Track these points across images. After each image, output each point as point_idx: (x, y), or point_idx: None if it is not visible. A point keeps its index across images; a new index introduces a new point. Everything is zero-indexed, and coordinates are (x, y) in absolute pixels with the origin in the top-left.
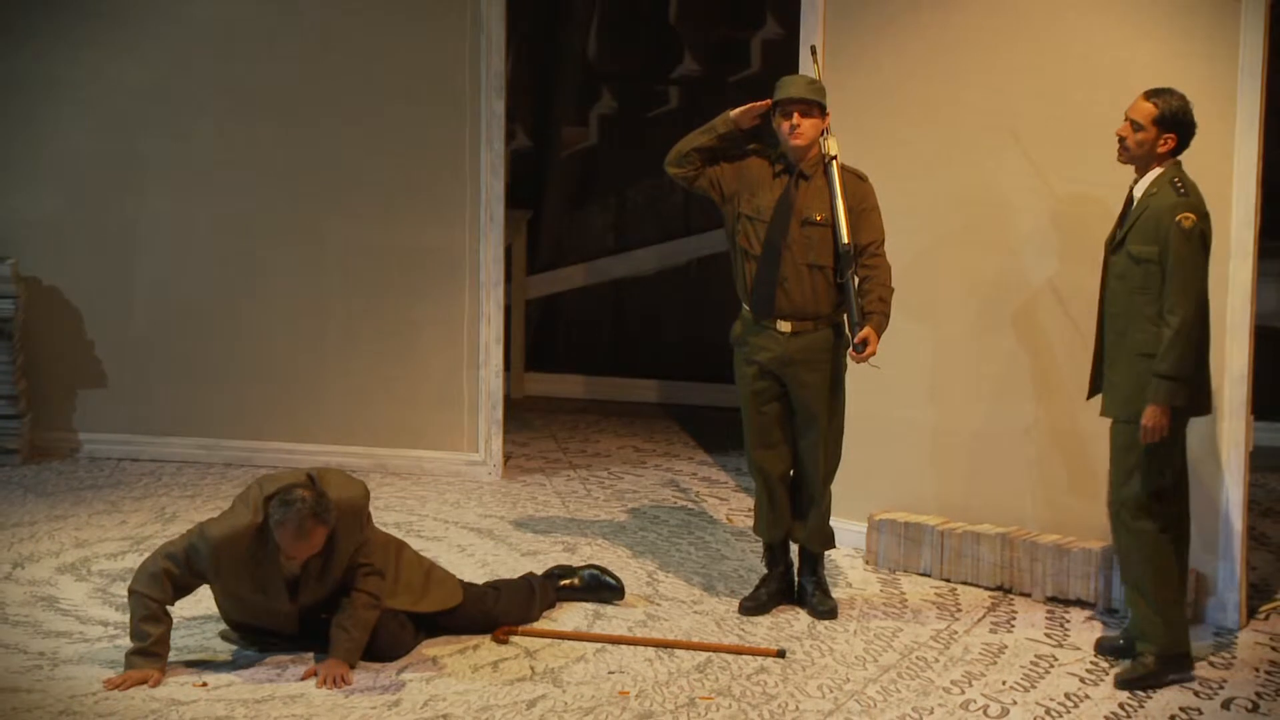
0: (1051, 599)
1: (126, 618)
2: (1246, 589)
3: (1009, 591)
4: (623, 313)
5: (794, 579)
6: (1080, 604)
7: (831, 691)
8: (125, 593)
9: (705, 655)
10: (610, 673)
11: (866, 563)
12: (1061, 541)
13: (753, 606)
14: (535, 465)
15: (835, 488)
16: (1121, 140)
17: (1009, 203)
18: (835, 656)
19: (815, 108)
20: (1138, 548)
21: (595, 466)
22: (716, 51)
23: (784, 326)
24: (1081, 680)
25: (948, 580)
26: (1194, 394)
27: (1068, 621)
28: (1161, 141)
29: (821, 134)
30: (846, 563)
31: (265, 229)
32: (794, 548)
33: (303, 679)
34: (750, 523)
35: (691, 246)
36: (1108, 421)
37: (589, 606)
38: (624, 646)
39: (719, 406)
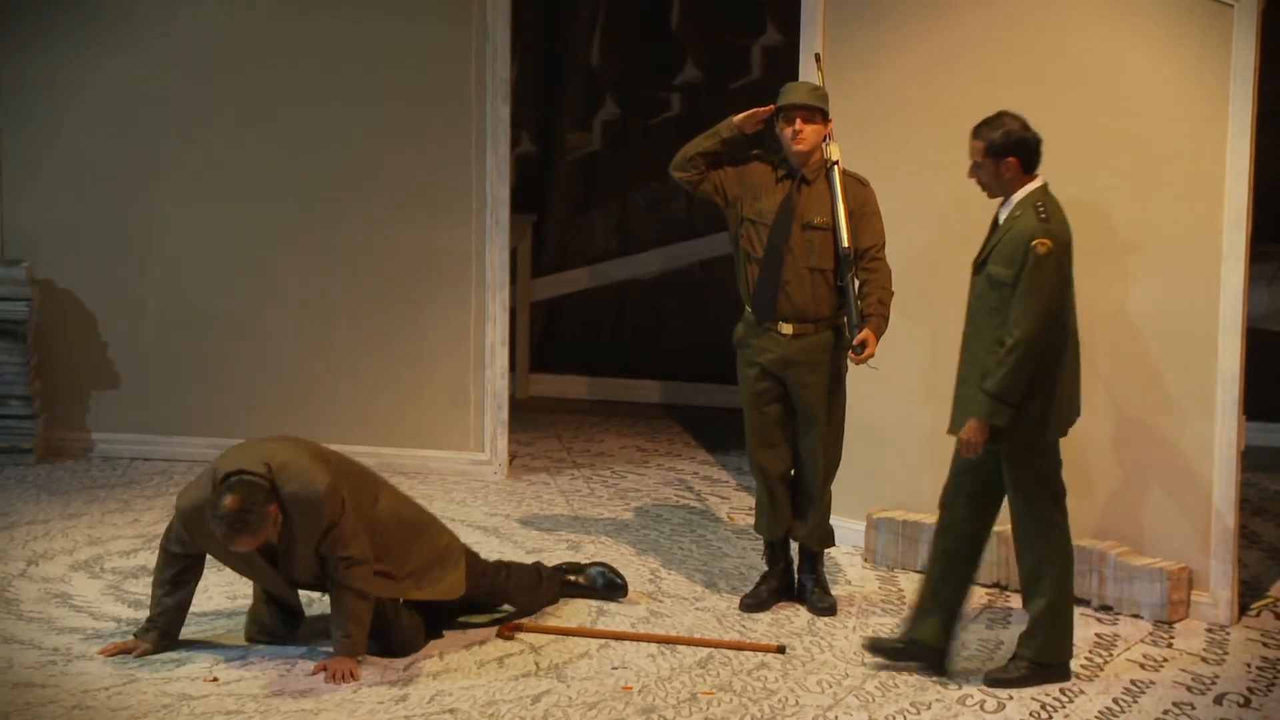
0: None
1: (138, 614)
2: (1238, 586)
3: (1004, 589)
4: (626, 315)
5: (794, 576)
6: (1075, 601)
7: (831, 687)
8: (137, 590)
9: (707, 651)
10: (614, 668)
11: (865, 560)
12: None
13: (753, 603)
14: (540, 464)
15: (834, 486)
16: (976, 179)
17: None
18: (835, 652)
19: (817, 113)
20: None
21: (599, 466)
22: (718, 58)
23: (785, 329)
24: (1076, 676)
25: None
26: (1023, 419)
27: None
28: (1003, 168)
29: (824, 139)
30: (845, 560)
31: (275, 233)
32: (794, 546)
33: (312, 674)
34: (751, 521)
35: (693, 250)
36: (1103, 422)
37: (593, 603)
38: (627, 642)
39: (720, 407)
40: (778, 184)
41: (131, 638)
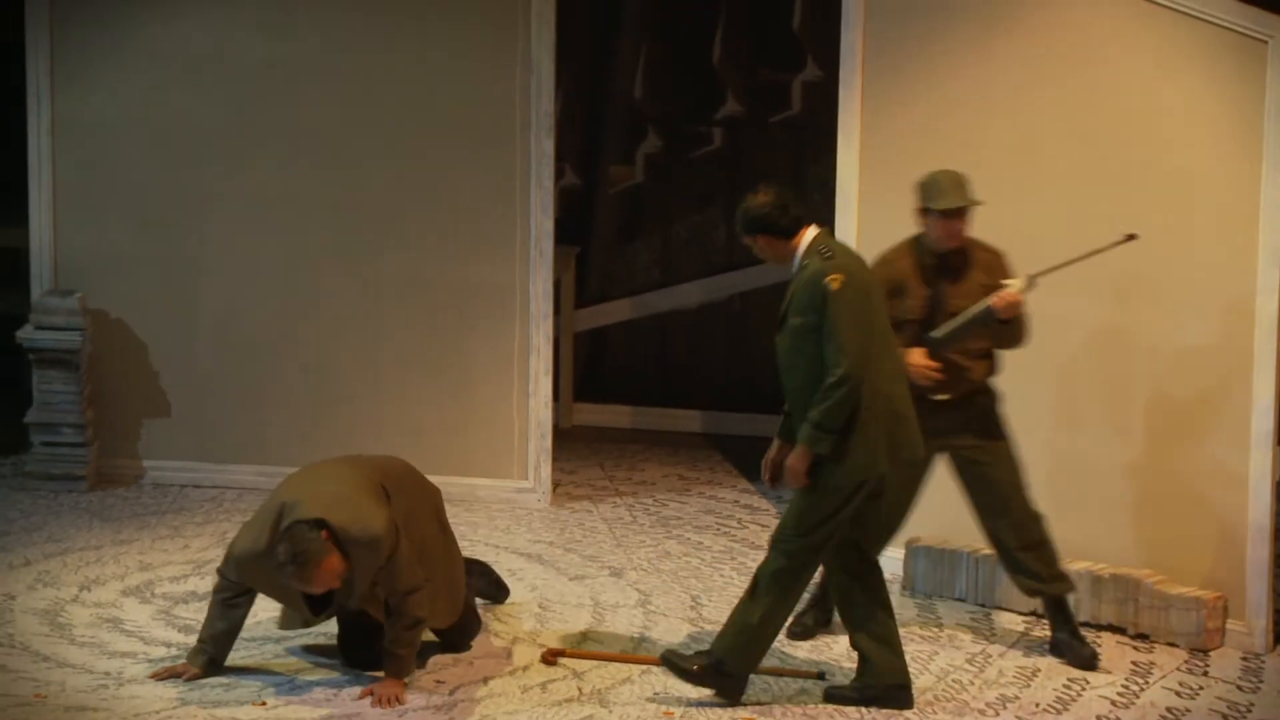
0: (1083, 624)
1: (188, 639)
2: (1272, 615)
3: (1041, 617)
4: (667, 345)
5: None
6: (1111, 629)
7: (870, 713)
8: (187, 615)
9: (749, 676)
10: (654, 694)
11: (903, 588)
12: (1093, 568)
13: (799, 631)
14: (583, 492)
15: None
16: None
17: (1040, 238)
18: None
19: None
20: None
21: (641, 494)
22: (758, 93)
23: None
24: (1113, 703)
25: (982, 605)
26: (846, 447)
27: (1099, 646)
28: (763, 243)
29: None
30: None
31: (323, 263)
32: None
33: (359, 699)
34: None
35: (733, 281)
36: (1139, 452)
37: (634, 629)
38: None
39: (761, 436)
40: (922, 277)
41: (183, 661)
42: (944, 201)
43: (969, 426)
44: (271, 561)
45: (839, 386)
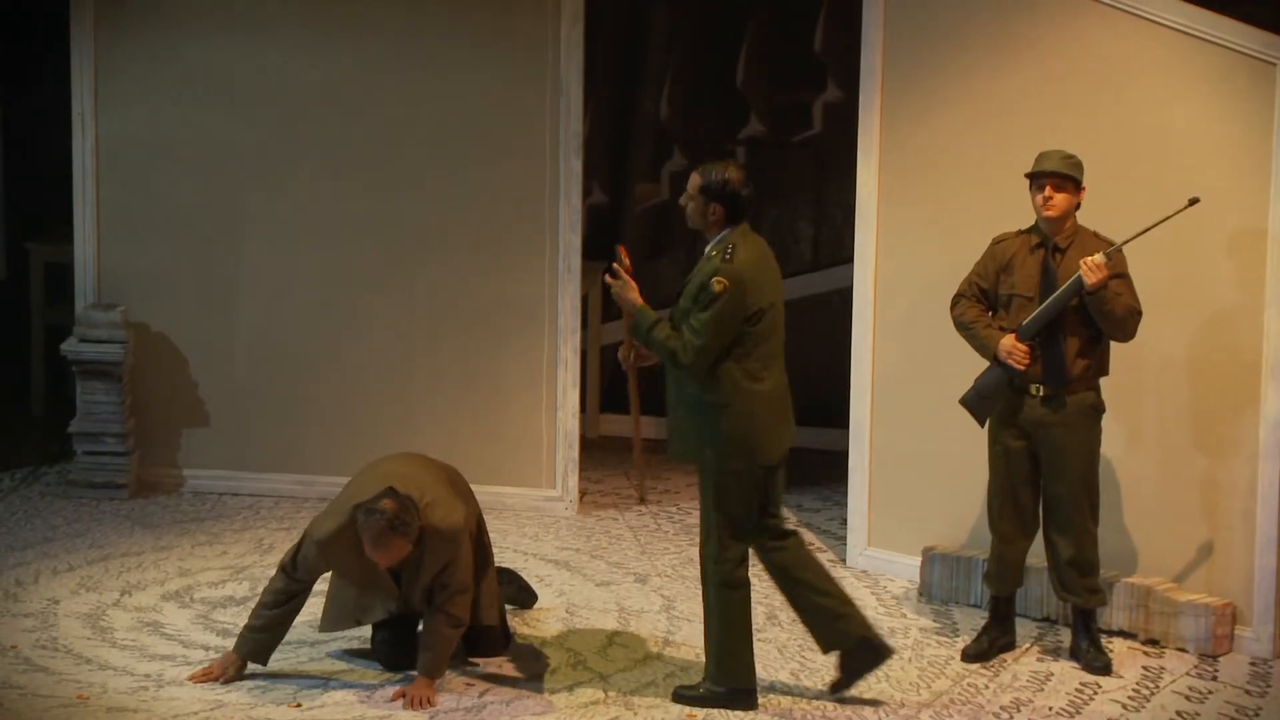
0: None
1: (226, 642)
2: None
3: (1055, 622)
4: None
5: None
6: (1122, 634)
7: (888, 716)
8: (225, 619)
9: (769, 680)
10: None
11: (920, 594)
12: (1106, 575)
13: (975, 653)
14: (609, 501)
15: (891, 520)
16: (685, 209)
17: None
18: (891, 683)
19: (1069, 181)
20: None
21: (665, 503)
22: (781, 113)
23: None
24: (1124, 707)
25: None
26: (726, 445)
27: (1110, 651)
28: (710, 210)
29: (1075, 207)
30: (902, 593)
31: (358, 279)
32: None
33: (391, 701)
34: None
35: None
36: (1151, 462)
37: (659, 633)
38: (691, 672)
39: None
40: (1031, 254)
41: (218, 659)
42: (1032, 169)
43: (1056, 429)
44: (352, 534)
45: (678, 366)
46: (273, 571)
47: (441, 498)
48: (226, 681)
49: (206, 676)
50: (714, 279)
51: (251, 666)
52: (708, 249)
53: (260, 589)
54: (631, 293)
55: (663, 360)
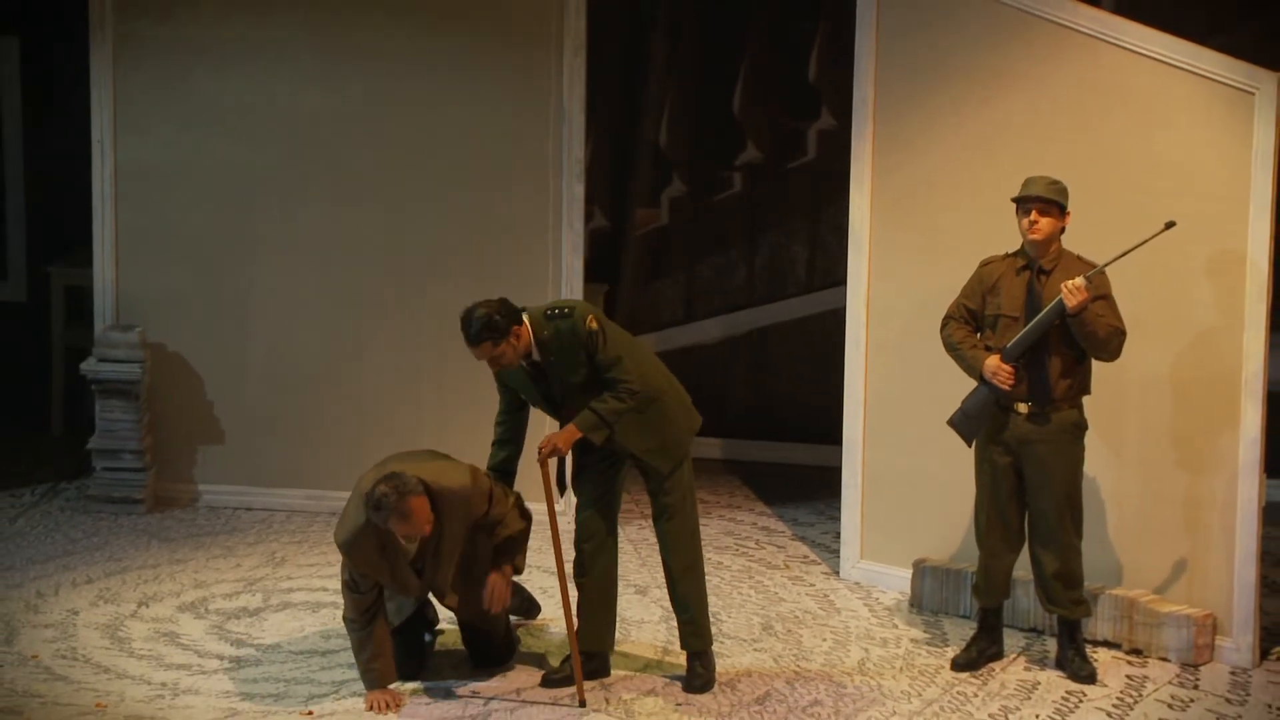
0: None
1: (239, 652)
2: (1260, 632)
3: (1041, 633)
4: (690, 377)
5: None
6: (1107, 644)
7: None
8: (239, 630)
9: (765, 688)
10: (679, 705)
11: (911, 605)
12: (1091, 587)
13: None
14: None
15: (883, 534)
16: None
17: None
18: (883, 691)
19: (1054, 206)
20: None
21: None
22: (776, 140)
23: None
24: (1108, 714)
25: None
26: (671, 445)
27: (1095, 661)
28: (513, 338)
29: (1059, 231)
30: (893, 604)
31: (366, 300)
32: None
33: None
34: (804, 568)
35: (753, 318)
36: (1134, 479)
37: (658, 641)
38: None
39: (778, 463)
40: (1017, 276)
41: (369, 693)
42: (1018, 194)
43: (1040, 446)
44: (370, 532)
45: (634, 396)
46: (290, 584)
47: (443, 466)
48: (398, 708)
49: (380, 706)
50: (585, 323)
51: (263, 673)
52: (543, 336)
53: (272, 600)
54: (562, 438)
55: (620, 418)
